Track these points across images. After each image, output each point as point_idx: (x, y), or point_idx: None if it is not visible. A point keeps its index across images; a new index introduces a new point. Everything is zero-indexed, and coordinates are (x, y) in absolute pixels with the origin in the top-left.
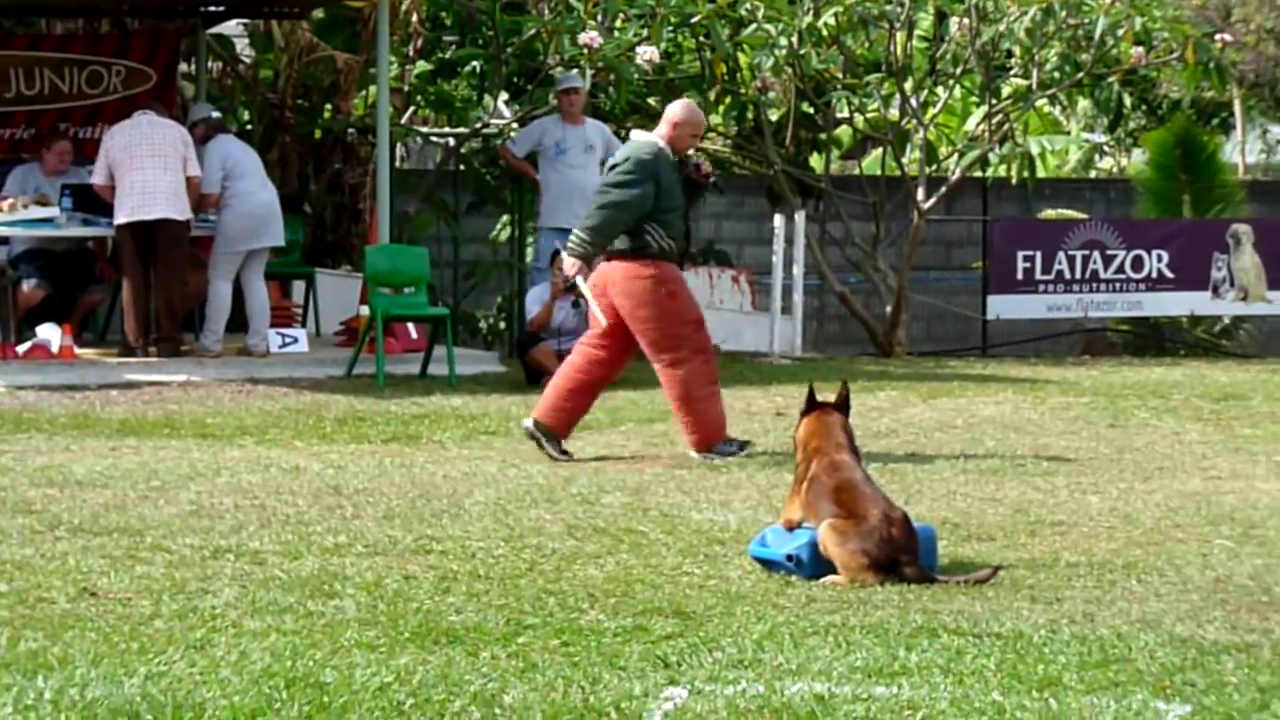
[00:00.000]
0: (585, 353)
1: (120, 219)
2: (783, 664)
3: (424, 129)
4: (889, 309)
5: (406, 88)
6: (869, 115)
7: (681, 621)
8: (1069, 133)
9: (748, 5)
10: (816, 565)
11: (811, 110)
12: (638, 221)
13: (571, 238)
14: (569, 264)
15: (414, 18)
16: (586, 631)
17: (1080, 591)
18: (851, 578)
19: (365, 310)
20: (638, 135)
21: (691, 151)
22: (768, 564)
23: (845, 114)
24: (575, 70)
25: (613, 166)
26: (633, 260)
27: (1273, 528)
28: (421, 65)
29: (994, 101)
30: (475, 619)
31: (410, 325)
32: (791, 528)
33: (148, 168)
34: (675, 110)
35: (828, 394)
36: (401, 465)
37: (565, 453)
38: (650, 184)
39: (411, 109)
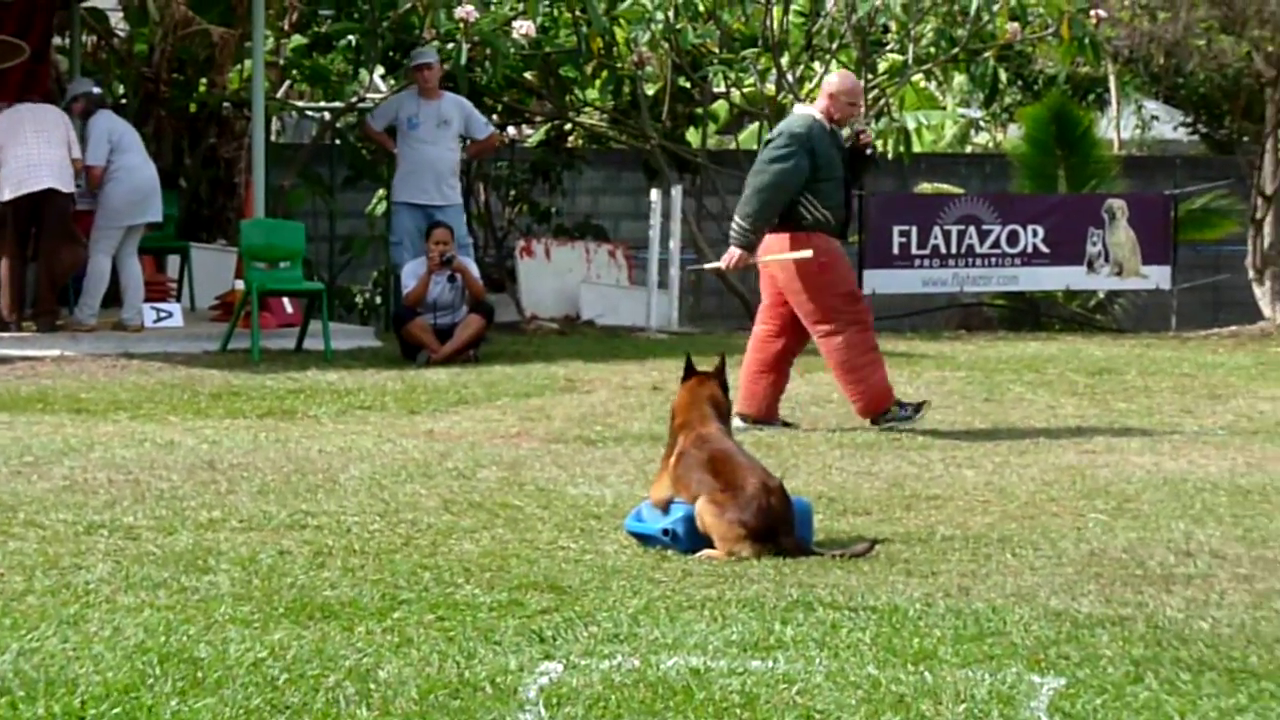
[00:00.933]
0: (756, 332)
1: (5, 194)
2: (658, 638)
3: (299, 103)
4: None
5: (282, 62)
6: (745, 90)
7: (557, 596)
8: (945, 108)
9: None
10: (692, 539)
11: (688, 85)
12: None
13: (733, 227)
14: (731, 255)
15: None
16: (462, 606)
17: (955, 565)
18: (729, 549)
19: (240, 285)
20: (797, 109)
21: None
22: (644, 538)
23: (722, 89)
24: (432, 45)
25: (767, 142)
26: (788, 232)
27: (1146, 501)
28: (297, 39)
29: (870, 76)
30: (350, 594)
31: (286, 300)
32: (662, 508)
33: (31, 143)
34: (831, 80)
35: (707, 366)
36: (276, 440)
37: (787, 425)
38: (804, 156)
39: (287, 83)
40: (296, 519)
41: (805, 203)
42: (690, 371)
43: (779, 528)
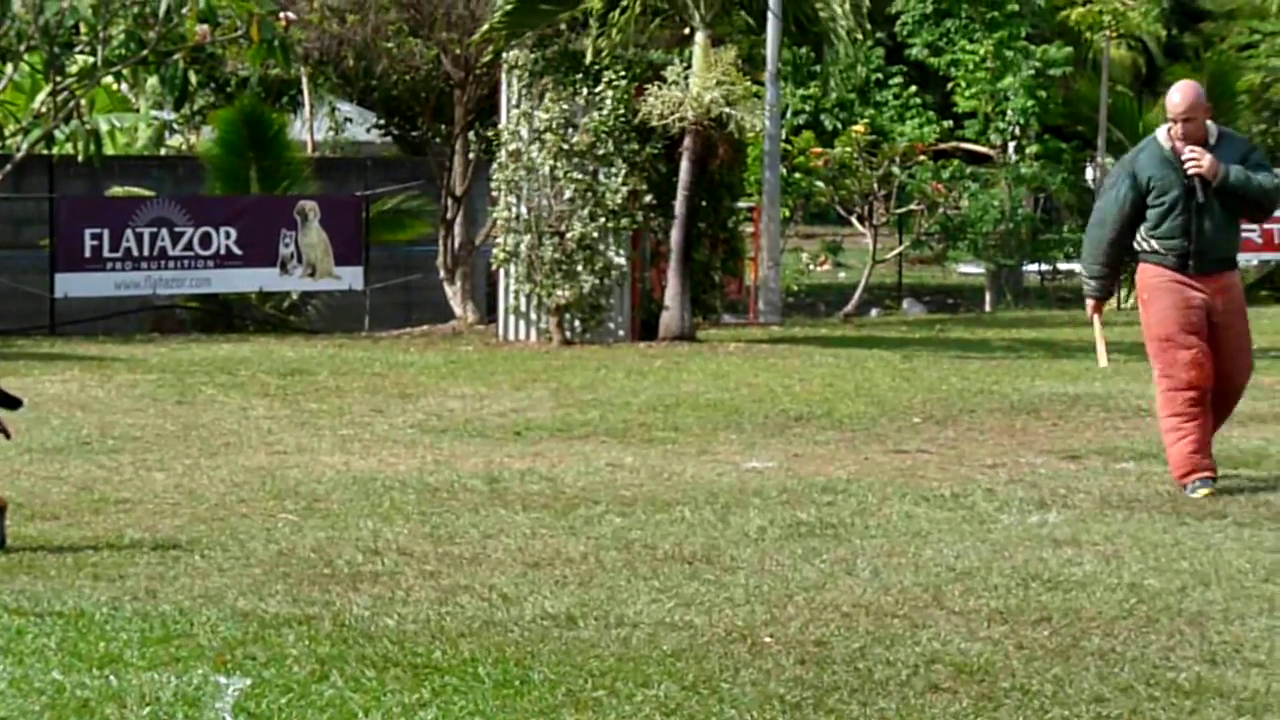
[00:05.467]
0: None
1: None
2: None
3: None
4: None
5: None
6: None
7: None
8: (138, 110)
9: None
10: None
11: None
12: (1133, 223)
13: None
14: (1090, 306)
15: None
16: None
17: (144, 568)
18: None
19: None
20: None
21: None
22: None
23: None
24: None
25: None
26: (1137, 263)
27: (336, 500)
28: None
29: (59, 79)
30: None
31: None
32: None
33: None
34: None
35: None
36: None
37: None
38: (1124, 183)
39: None
40: None
41: (1140, 234)
42: None
43: None
